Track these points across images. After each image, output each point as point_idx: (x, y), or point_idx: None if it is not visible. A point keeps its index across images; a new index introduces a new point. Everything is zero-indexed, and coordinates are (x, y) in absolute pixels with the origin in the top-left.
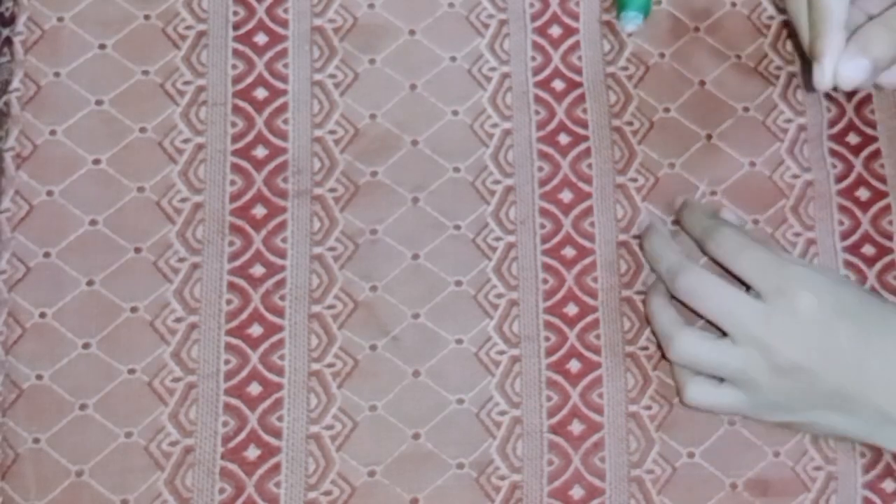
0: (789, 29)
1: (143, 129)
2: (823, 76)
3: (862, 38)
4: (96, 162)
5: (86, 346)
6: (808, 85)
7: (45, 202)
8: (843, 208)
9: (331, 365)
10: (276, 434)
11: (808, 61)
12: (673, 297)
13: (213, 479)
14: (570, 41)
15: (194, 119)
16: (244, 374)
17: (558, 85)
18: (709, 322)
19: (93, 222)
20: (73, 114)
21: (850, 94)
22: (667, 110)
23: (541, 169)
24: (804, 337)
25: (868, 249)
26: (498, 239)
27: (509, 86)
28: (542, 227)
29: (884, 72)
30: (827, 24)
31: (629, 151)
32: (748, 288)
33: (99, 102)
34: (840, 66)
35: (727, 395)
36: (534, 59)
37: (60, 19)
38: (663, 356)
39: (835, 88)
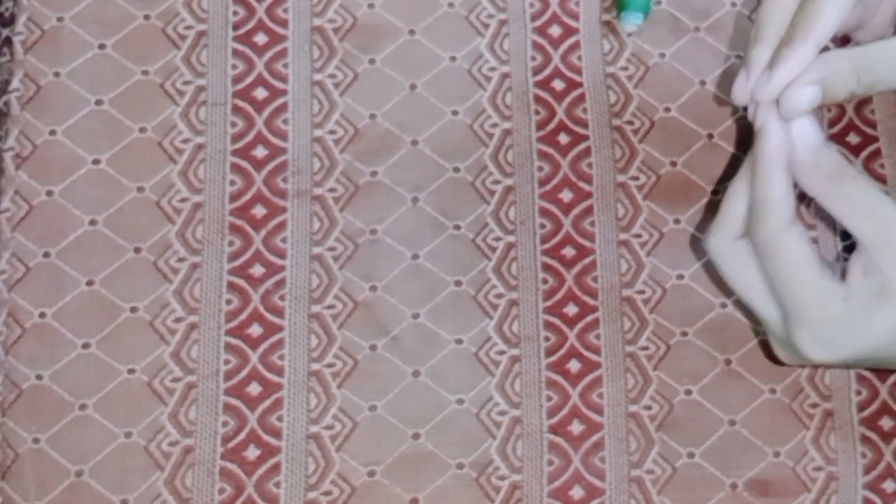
0: None
1: (142, 129)
2: (766, 87)
3: (826, 66)
4: (96, 162)
5: (85, 346)
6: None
7: (45, 202)
8: None
9: (331, 365)
10: (276, 434)
11: None
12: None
13: (212, 479)
14: (570, 41)
15: (194, 119)
16: (244, 374)
17: (558, 85)
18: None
19: (92, 222)
20: (73, 114)
21: None
22: (667, 110)
23: (541, 169)
24: None
25: None
26: (498, 239)
27: (509, 86)
28: (542, 226)
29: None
30: (811, 33)
31: (630, 150)
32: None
33: (99, 102)
34: (793, 90)
35: None
36: (534, 58)
37: (60, 19)
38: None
39: (743, 109)
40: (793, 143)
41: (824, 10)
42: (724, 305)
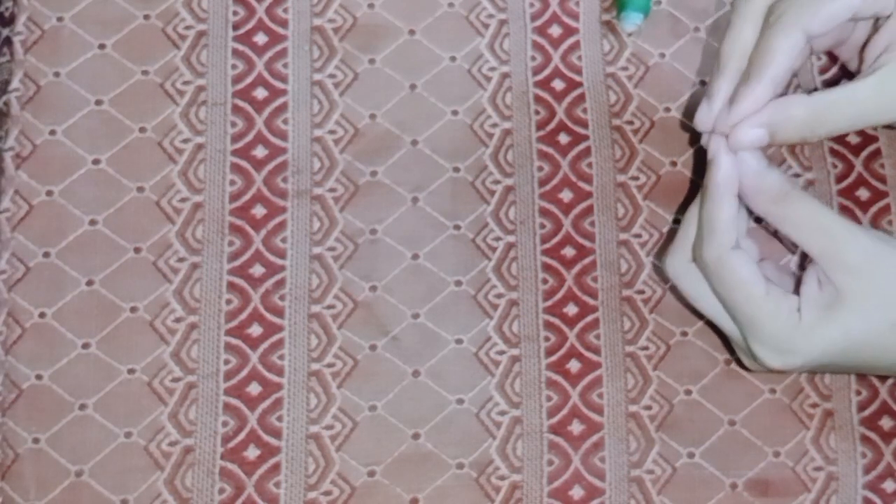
0: None
1: (142, 129)
2: (724, 121)
3: (779, 111)
4: (96, 162)
5: (85, 346)
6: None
7: (45, 202)
8: (843, 208)
9: (330, 365)
10: (276, 434)
11: None
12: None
13: (212, 479)
14: (570, 41)
15: (194, 119)
16: (244, 374)
17: (558, 85)
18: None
19: (92, 222)
20: (73, 114)
21: None
22: (667, 110)
23: (541, 168)
24: None
25: None
26: (498, 239)
27: (509, 86)
28: (542, 226)
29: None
30: (765, 71)
31: (630, 150)
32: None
33: (99, 102)
34: (740, 129)
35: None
36: (534, 58)
37: (60, 19)
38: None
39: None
40: (742, 167)
41: (776, 51)
42: None
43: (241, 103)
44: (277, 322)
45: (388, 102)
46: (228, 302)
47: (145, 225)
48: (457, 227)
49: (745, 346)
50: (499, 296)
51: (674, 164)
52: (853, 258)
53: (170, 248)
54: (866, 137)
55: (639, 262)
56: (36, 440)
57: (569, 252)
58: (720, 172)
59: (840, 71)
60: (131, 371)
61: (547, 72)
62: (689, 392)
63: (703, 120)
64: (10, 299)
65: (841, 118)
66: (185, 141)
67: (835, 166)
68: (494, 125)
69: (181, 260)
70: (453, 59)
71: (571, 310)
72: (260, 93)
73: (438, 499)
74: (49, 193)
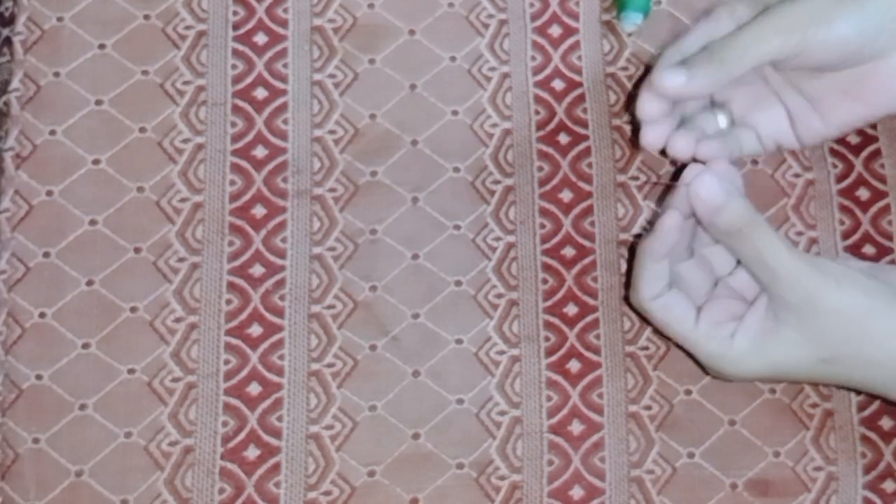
0: None
1: (142, 129)
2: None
3: (688, 61)
4: (96, 162)
5: (85, 346)
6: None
7: (45, 202)
8: (843, 208)
9: (330, 365)
10: (276, 434)
11: None
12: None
13: (212, 479)
14: (570, 41)
15: (194, 119)
16: (244, 374)
17: (558, 85)
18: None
19: (92, 222)
20: (73, 114)
21: None
22: None
23: (541, 168)
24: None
25: (868, 249)
26: (498, 239)
27: (509, 86)
28: (542, 226)
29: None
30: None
31: (630, 150)
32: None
33: (99, 102)
34: (660, 74)
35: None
36: (534, 58)
37: (60, 19)
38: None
39: (662, 153)
40: (694, 201)
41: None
42: None
43: (241, 103)
44: (277, 322)
45: (388, 102)
46: (228, 302)
47: (145, 225)
48: (457, 227)
49: None
50: (499, 296)
51: (674, 163)
52: (792, 300)
53: (170, 248)
54: (866, 137)
55: None
56: (36, 440)
57: (569, 252)
58: (653, 239)
59: None
60: (131, 371)
61: (547, 72)
62: (689, 392)
63: (648, 137)
64: (10, 299)
65: (733, 47)
66: (185, 141)
67: (835, 166)
68: (494, 125)
69: (181, 260)
70: (453, 59)
71: (571, 310)
72: (260, 93)
73: (438, 499)
74: (49, 193)
